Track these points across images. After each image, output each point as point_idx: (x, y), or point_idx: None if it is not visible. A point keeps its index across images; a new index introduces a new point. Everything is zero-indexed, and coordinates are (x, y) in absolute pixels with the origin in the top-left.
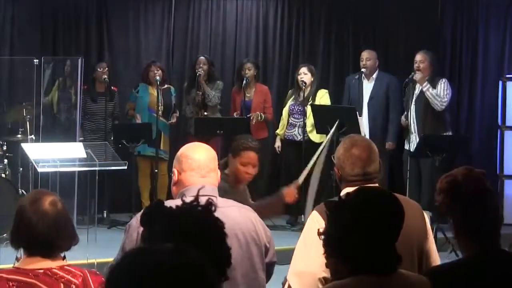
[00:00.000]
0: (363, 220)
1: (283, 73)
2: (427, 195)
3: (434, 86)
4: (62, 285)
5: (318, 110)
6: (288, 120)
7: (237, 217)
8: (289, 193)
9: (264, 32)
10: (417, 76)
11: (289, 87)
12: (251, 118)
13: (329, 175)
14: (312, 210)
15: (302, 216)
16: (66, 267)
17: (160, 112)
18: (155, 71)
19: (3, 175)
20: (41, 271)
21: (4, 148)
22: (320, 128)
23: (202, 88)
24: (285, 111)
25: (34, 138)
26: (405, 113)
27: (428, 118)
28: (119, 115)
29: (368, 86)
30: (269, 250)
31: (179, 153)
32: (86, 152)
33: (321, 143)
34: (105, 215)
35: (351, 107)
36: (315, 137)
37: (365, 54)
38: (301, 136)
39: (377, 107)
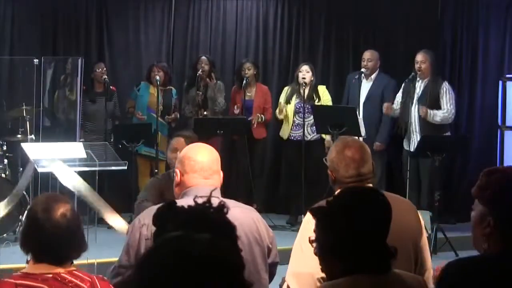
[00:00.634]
0: (352, 221)
1: (283, 73)
2: (427, 195)
3: (435, 88)
4: None
5: (318, 110)
6: (293, 120)
7: (240, 217)
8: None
9: (264, 32)
10: (422, 113)
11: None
12: (252, 121)
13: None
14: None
15: (302, 216)
16: (74, 271)
17: (159, 113)
18: (156, 72)
19: (3, 175)
20: (50, 275)
21: (4, 148)
22: (320, 128)
23: (210, 93)
24: (290, 111)
25: (34, 138)
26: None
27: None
28: (119, 115)
29: (365, 86)
30: (271, 250)
31: (181, 154)
32: (86, 152)
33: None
34: None
35: (351, 107)
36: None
37: (367, 55)
38: (313, 135)
39: (373, 108)
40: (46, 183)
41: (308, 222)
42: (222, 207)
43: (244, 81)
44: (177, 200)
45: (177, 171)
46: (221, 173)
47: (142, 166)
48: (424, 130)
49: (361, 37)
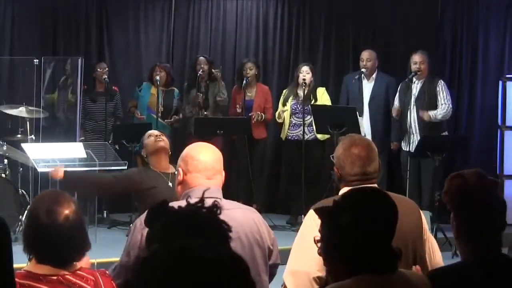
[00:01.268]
0: (360, 221)
1: (283, 73)
2: (427, 195)
3: (432, 87)
4: None
5: (318, 110)
6: (290, 121)
7: (241, 219)
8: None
9: (264, 32)
10: (426, 117)
11: (291, 83)
12: (252, 116)
13: (329, 175)
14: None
15: (302, 216)
16: (78, 271)
17: (159, 113)
18: (158, 72)
19: (3, 175)
20: (55, 277)
21: (4, 148)
22: (320, 128)
23: (218, 88)
24: (287, 113)
25: (34, 138)
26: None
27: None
28: (121, 115)
29: (368, 86)
30: (272, 252)
31: (184, 153)
32: (86, 152)
33: (326, 140)
34: (105, 215)
35: (351, 107)
36: (320, 135)
37: (365, 54)
38: (310, 135)
39: (378, 107)
40: (46, 183)
41: (308, 221)
42: (214, 207)
43: (245, 81)
44: (178, 201)
45: (180, 170)
46: (223, 173)
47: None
48: (422, 131)
49: (361, 37)
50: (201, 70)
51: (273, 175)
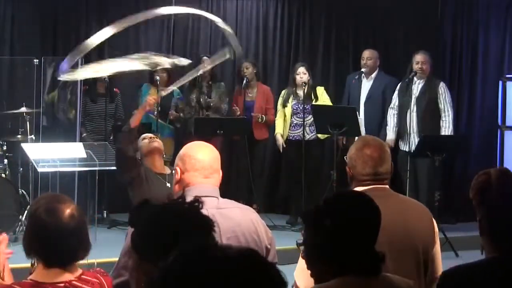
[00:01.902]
0: (342, 224)
1: (283, 73)
2: (425, 195)
3: (432, 88)
4: None
5: (318, 110)
6: (291, 121)
7: (238, 218)
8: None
9: (264, 32)
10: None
11: (289, 84)
12: (254, 116)
13: (329, 175)
14: None
15: None
16: (83, 276)
17: (155, 113)
18: (160, 72)
19: (3, 175)
20: (62, 285)
21: (4, 148)
22: (320, 128)
23: (215, 98)
24: (288, 112)
25: (34, 138)
26: (390, 117)
27: (427, 118)
28: (122, 117)
29: (366, 85)
30: (270, 251)
31: (182, 152)
32: (86, 152)
33: (325, 139)
34: (105, 215)
35: (351, 107)
36: (321, 134)
37: (366, 53)
38: (311, 134)
39: (374, 106)
40: (46, 183)
41: None
42: (195, 202)
43: (245, 81)
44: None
45: (178, 168)
46: (221, 172)
47: None
48: (423, 131)
49: (361, 37)
50: (201, 70)
51: (273, 175)
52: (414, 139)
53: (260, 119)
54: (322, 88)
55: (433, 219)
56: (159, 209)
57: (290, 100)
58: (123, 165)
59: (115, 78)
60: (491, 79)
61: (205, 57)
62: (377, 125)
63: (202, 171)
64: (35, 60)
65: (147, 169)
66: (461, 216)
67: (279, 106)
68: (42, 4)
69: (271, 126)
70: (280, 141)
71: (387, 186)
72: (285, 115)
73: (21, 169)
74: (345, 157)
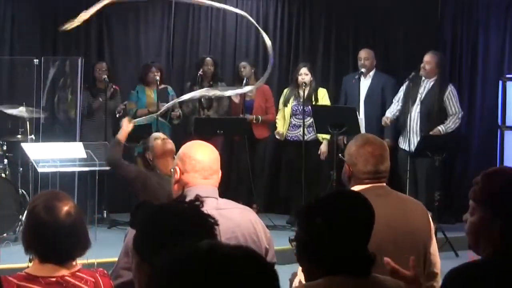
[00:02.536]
0: (335, 223)
1: (283, 73)
2: (425, 195)
3: (440, 91)
4: None
5: (318, 110)
6: (290, 121)
7: (238, 219)
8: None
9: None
10: (437, 132)
11: (291, 84)
12: (248, 118)
13: (329, 175)
14: None
15: None
16: (77, 273)
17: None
18: (155, 73)
19: (3, 175)
20: (54, 279)
21: (4, 148)
22: (320, 128)
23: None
24: (287, 112)
25: (34, 138)
26: (393, 111)
27: (430, 119)
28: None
29: (364, 85)
30: (269, 251)
31: (181, 151)
32: (86, 152)
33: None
34: (105, 215)
35: (351, 107)
36: (322, 137)
37: (363, 54)
38: (310, 135)
39: (373, 105)
40: (46, 183)
41: None
42: (196, 200)
43: (244, 81)
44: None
45: (177, 168)
46: (220, 172)
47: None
48: (424, 131)
49: (361, 37)
50: (207, 70)
51: (273, 175)
52: (414, 139)
53: (255, 121)
54: (324, 90)
55: (429, 216)
56: (158, 209)
57: (290, 100)
58: (119, 173)
59: (114, 77)
60: (491, 79)
61: (208, 58)
62: (377, 124)
63: (201, 172)
64: (35, 60)
65: (155, 174)
66: (461, 216)
67: (281, 105)
68: (42, 4)
69: (272, 125)
70: (280, 133)
71: (385, 184)
72: (284, 115)
73: (21, 169)
74: (340, 155)
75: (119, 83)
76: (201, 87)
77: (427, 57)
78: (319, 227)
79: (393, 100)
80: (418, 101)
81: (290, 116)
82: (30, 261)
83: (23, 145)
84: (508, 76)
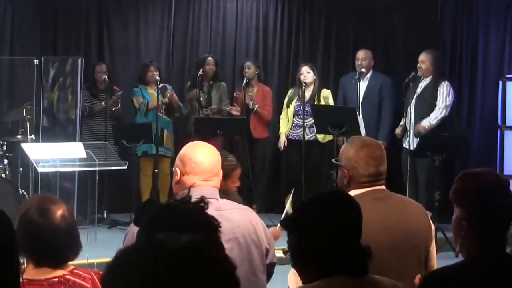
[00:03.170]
0: (322, 223)
1: (283, 73)
2: (425, 195)
3: (435, 88)
4: None
5: (318, 110)
6: (292, 121)
7: (238, 219)
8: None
9: (264, 32)
10: (422, 130)
11: (289, 87)
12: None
13: (329, 175)
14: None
15: None
16: (75, 271)
17: (163, 111)
18: (154, 72)
19: (3, 175)
20: (56, 279)
21: (4, 148)
22: (320, 128)
23: (215, 96)
24: (290, 112)
25: (34, 138)
26: (403, 120)
27: (426, 114)
28: (120, 111)
29: (362, 86)
30: (269, 251)
31: (182, 152)
32: (86, 152)
33: (326, 142)
34: (105, 215)
35: (351, 107)
36: (321, 137)
37: (361, 54)
38: (310, 135)
39: (371, 106)
40: (46, 183)
41: None
42: (201, 202)
43: (245, 81)
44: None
45: (177, 169)
46: (221, 174)
47: (146, 166)
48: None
49: (361, 37)
50: (209, 69)
51: (273, 175)
52: (412, 138)
53: (251, 105)
54: (328, 91)
55: (428, 217)
56: (162, 208)
57: (294, 101)
58: None
59: (114, 77)
60: (491, 79)
61: (209, 58)
62: (375, 124)
63: (202, 175)
64: (35, 60)
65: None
66: None
67: (285, 106)
68: (42, 4)
69: (269, 125)
70: (282, 141)
71: (384, 187)
72: (288, 116)
73: (21, 169)
74: (334, 160)
75: (119, 83)
76: (201, 86)
77: (422, 57)
78: (309, 231)
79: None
80: (414, 100)
81: (293, 116)
82: (21, 265)
83: (23, 145)
84: (508, 76)
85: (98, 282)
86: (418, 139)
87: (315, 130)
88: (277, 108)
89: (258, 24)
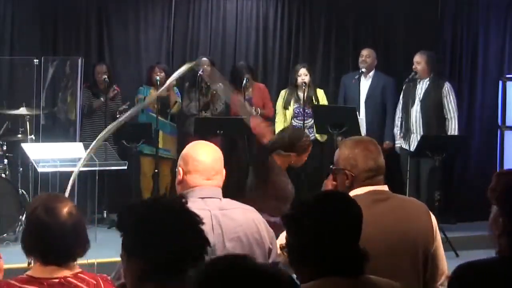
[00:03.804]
0: (321, 223)
1: (283, 73)
2: (426, 195)
3: (437, 89)
4: None
5: (318, 110)
6: (291, 123)
7: (240, 219)
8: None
9: (264, 32)
10: None
11: (289, 86)
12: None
13: (329, 175)
14: None
15: None
16: (79, 274)
17: (156, 111)
18: (158, 73)
19: (3, 175)
20: (56, 280)
21: (4, 148)
22: (320, 128)
23: (210, 99)
24: (289, 114)
25: (34, 138)
26: (398, 119)
27: (432, 119)
28: (121, 115)
29: (365, 85)
30: (272, 250)
31: (185, 152)
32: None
33: (325, 141)
34: (105, 215)
35: (351, 107)
36: (321, 137)
37: (364, 52)
38: (311, 136)
39: (374, 106)
40: (46, 183)
41: None
42: (181, 198)
43: (245, 81)
44: None
45: (180, 169)
46: (224, 172)
47: (146, 166)
48: (426, 131)
49: (361, 37)
50: (201, 70)
51: None
52: (416, 139)
53: (255, 112)
54: (322, 91)
55: (431, 215)
56: (141, 204)
57: (291, 103)
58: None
59: (114, 77)
60: (491, 79)
61: (204, 58)
62: (378, 124)
63: (203, 173)
64: (35, 60)
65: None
66: (461, 216)
67: (279, 108)
68: (42, 4)
69: (270, 120)
70: None
71: (386, 188)
72: (286, 118)
73: (21, 169)
74: (331, 167)
75: (119, 84)
76: (200, 87)
77: (416, 58)
78: (307, 230)
79: (396, 110)
80: (417, 102)
81: (292, 118)
82: (28, 264)
83: (23, 145)
84: (508, 76)
85: (103, 286)
86: (418, 139)
87: (314, 130)
88: (274, 105)
89: (258, 24)
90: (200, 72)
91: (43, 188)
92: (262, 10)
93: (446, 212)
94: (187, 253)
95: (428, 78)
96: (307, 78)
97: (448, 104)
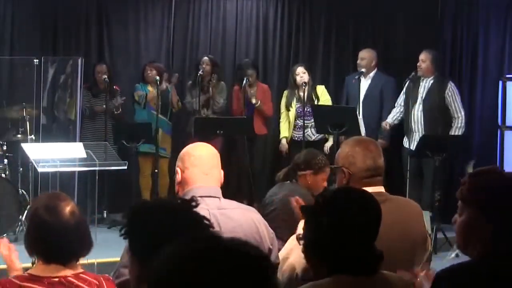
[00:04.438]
0: (342, 222)
1: (283, 73)
2: (428, 195)
3: (440, 88)
4: None
5: (318, 110)
6: (296, 123)
7: (240, 219)
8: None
9: (264, 32)
10: None
11: (289, 86)
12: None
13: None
14: None
15: None
16: (81, 275)
17: (159, 104)
18: (149, 71)
19: (3, 175)
20: (57, 279)
21: (4, 148)
22: (320, 128)
23: (211, 94)
24: (292, 114)
25: (34, 138)
26: (395, 116)
27: (434, 118)
28: (121, 114)
29: (364, 85)
30: (272, 251)
31: (181, 153)
32: (86, 152)
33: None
34: (105, 215)
35: (352, 107)
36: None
37: (362, 53)
38: (316, 136)
39: (372, 106)
40: (46, 183)
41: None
42: (192, 200)
43: (245, 81)
44: None
45: (178, 169)
46: (221, 171)
47: (144, 166)
48: (429, 131)
49: (361, 37)
50: (202, 69)
51: (274, 175)
52: (417, 138)
53: (255, 101)
54: (323, 87)
55: (423, 217)
56: (149, 205)
57: (293, 103)
58: None
59: (114, 77)
60: (491, 79)
61: (205, 57)
62: (376, 124)
63: (201, 167)
64: (35, 60)
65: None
66: None
67: (283, 109)
68: (42, 4)
69: (269, 121)
70: (284, 148)
71: (383, 189)
72: (289, 118)
73: (21, 169)
74: (331, 166)
75: (119, 83)
76: (201, 86)
77: (422, 56)
78: (325, 227)
79: (395, 104)
80: (419, 101)
81: (295, 118)
82: (32, 264)
83: (23, 145)
84: (508, 76)
85: (105, 287)
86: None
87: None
88: (276, 109)
89: (258, 24)
90: (200, 72)
91: (43, 188)
92: (262, 10)
93: (446, 212)
94: None
95: (431, 77)
96: (305, 76)
97: (453, 103)
